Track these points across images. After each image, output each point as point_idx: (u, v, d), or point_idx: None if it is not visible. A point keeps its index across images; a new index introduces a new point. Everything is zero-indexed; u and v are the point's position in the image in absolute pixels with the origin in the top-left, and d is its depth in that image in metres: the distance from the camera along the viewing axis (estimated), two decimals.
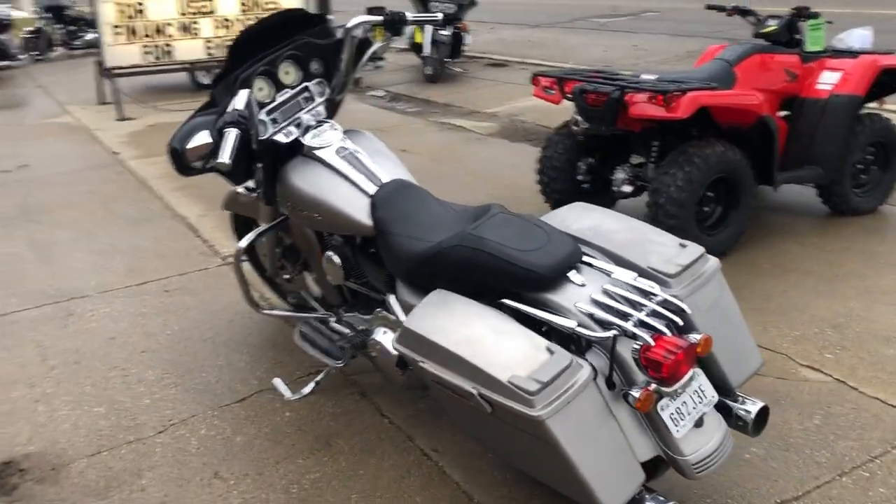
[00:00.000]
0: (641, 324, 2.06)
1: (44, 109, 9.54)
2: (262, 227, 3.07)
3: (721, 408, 2.28)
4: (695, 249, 2.29)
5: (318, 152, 2.79)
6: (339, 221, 2.68)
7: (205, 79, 10.32)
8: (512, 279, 2.21)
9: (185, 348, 3.48)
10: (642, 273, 2.24)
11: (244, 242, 3.04)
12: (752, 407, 2.27)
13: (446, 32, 10.04)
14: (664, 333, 2.03)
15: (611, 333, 2.02)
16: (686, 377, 2.06)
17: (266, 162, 2.89)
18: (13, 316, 3.89)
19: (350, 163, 2.76)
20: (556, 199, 4.74)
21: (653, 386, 2.02)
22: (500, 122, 7.76)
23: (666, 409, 2.07)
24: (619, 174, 4.51)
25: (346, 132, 2.91)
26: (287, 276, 3.36)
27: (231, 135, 2.40)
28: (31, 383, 3.26)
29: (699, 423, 2.13)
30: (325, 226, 2.76)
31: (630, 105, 3.99)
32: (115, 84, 8.74)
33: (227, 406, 3.03)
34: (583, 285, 2.18)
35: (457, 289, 2.28)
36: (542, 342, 2.03)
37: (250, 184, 3.13)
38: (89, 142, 7.72)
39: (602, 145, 4.65)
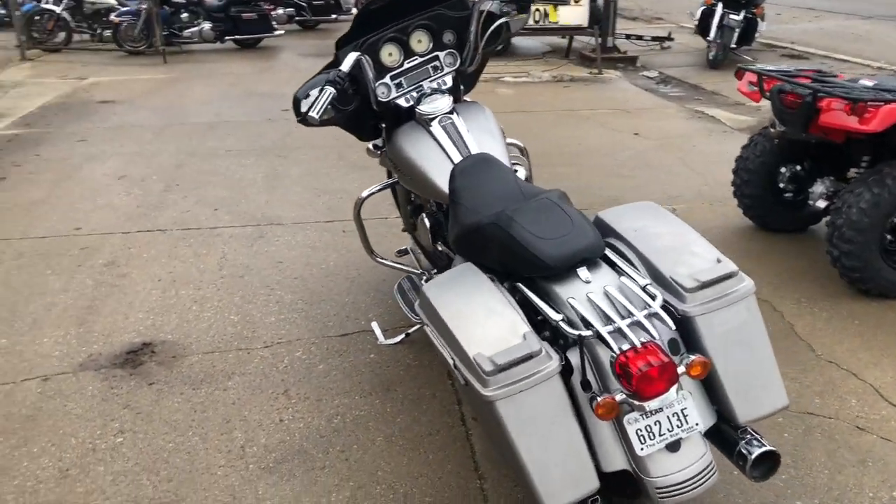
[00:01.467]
0: (620, 331, 1.97)
1: None
2: (382, 182, 3.31)
3: (727, 442, 2.11)
4: (726, 267, 2.11)
5: (424, 118, 2.94)
6: (424, 185, 2.82)
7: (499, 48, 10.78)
8: (525, 263, 2.21)
9: (328, 281, 3.88)
10: (662, 282, 2.12)
11: (364, 193, 3.30)
12: (755, 449, 2.06)
13: (737, 17, 9.44)
14: (635, 345, 1.92)
15: (578, 333, 1.97)
16: (664, 396, 1.94)
17: (388, 123, 3.11)
18: (219, 230, 4.59)
19: (447, 132, 2.87)
20: (747, 203, 4.41)
21: (620, 396, 1.94)
22: (759, 118, 7.20)
23: (633, 424, 1.98)
24: (818, 187, 4.07)
25: (461, 103, 3.02)
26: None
27: (325, 93, 2.65)
28: (198, 286, 3.87)
29: (674, 448, 2.00)
30: (416, 188, 2.92)
31: (822, 111, 3.58)
32: None
33: (329, 337, 3.36)
34: (588, 282, 2.13)
35: (486, 264, 2.34)
36: (523, 328, 2.02)
37: (379, 142, 3.37)
38: None
39: (815, 153, 4.21)
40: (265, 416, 2.83)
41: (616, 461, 2.02)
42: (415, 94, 3.02)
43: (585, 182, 5.39)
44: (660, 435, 1.99)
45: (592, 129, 6.87)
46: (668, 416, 2.00)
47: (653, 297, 2.06)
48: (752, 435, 2.11)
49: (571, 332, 2.01)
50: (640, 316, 2.00)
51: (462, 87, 3.21)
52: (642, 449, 1.98)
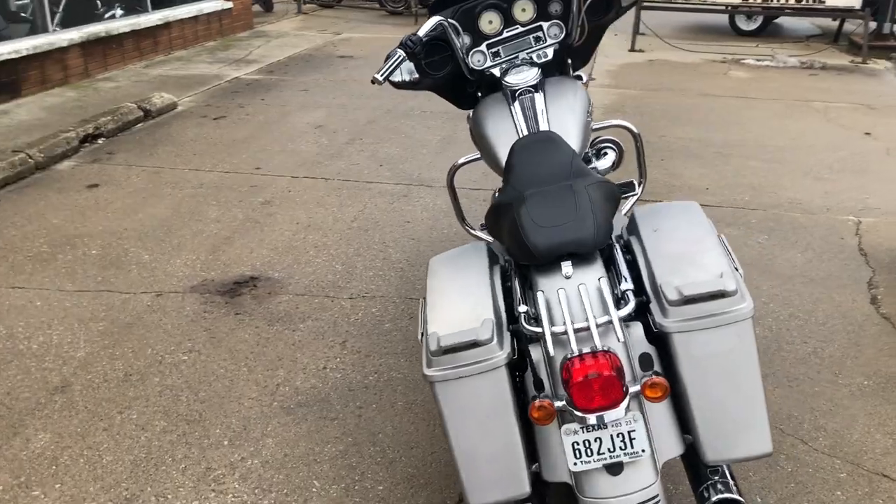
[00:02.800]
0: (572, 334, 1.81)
1: None
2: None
3: (696, 478, 1.89)
4: (723, 283, 1.83)
5: (509, 90, 2.85)
6: (490, 159, 2.75)
7: (744, 24, 10.02)
8: (518, 248, 2.10)
9: (441, 246, 3.92)
10: (655, 290, 1.91)
11: (460, 160, 3.27)
12: (715, 494, 1.80)
13: None
14: (585, 351, 1.76)
15: (521, 328, 1.85)
16: (609, 412, 1.77)
17: (484, 92, 3.05)
18: (373, 184, 4.79)
19: (522, 106, 2.76)
20: None
21: (560, 403, 1.80)
22: None
23: (571, 435, 1.81)
24: None
25: (552, 78, 2.89)
26: None
27: (395, 55, 2.68)
28: (326, 233, 4.09)
29: (615, 470, 1.81)
30: (486, 161, 2.85)
31: None
32: (639, 16, 9.12)
33: (410, 299, 3.41)
34: (567, 277, 1.97)
35: (504, 246, 2.26)
36: (486, 313, 1.94)
37: None
38: None
39: None
40: (313, 361, 2.97)
41: (559, 472, 1.88)
42: (507, 64, 2.93)
43: (771, 180, 4.86)
44: (598, 454, 1.81)
45: (816, 124, 6.14)
46: (611, 436, 1.81)
47: (625, 303, 1.86)
48: (723, 477, 1.85)
49: (524, 327, 1.89)
50: (591, 322, 1.82)
51: (570, 62, 3.07)
52: (576, 464, 1.82)
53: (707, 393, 1.81)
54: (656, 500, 1.80)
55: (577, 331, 1.81)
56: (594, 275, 1.97)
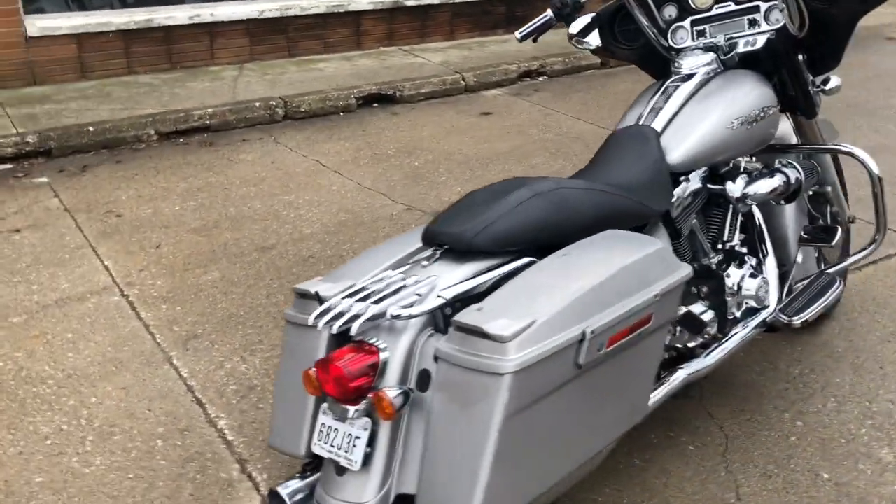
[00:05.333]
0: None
1: None
2: None
3: None
4: (493, 325, 1.53)
5: (672, 72, 2.48)
6: None
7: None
8: None
9: None
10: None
11: None
12: None
13: None
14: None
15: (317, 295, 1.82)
16: (339, 406, 1.67)
17: None
18: None
19: (661, 95, 2.39)
20: None
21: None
22: None
23: (322, 415, 1.77)
24: None
25: (727, 71, 2.41)
26: None
27: (542, 16, 2.58)
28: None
29: (340, 471, 1.71)
30: None
31: None
32: None
33: None
34: (424, 266, 1.84)
35: None
36: (365, 281, 1.93)
37: None
38: None
39: None
40: None
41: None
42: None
43: None
44: (330, 445, 1.74)
45: None
46: (343, 433, 1.71)
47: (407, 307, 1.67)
48: None
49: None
50: (353, 308, 1.68)
51: (804, 58, 2.48)
52: (315, 444, 1.76)
53: (437, 438, 1.60)
54: None
55: (341, 312, 1.70)
56: (434, 272, 1.79)
